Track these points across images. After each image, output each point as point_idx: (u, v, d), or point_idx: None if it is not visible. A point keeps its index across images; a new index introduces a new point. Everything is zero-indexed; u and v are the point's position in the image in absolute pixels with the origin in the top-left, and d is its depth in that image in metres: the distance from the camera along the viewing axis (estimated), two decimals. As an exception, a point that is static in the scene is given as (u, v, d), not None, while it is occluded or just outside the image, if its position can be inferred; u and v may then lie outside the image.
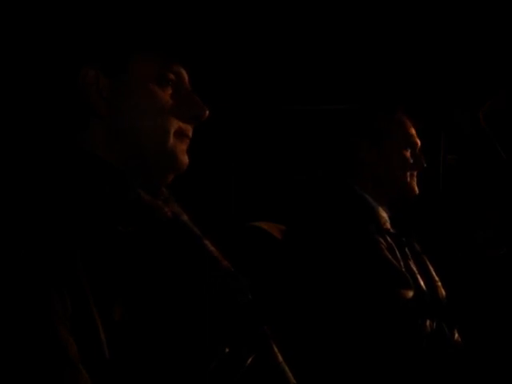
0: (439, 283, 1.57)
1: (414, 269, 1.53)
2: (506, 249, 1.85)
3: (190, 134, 0.92)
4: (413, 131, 1.60)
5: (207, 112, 0.91)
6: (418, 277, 1.52)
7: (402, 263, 1.50)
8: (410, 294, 1.42)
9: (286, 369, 0.87)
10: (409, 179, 1.57)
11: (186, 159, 0.91)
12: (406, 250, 1.56)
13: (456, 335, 1.49)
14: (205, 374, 0.76)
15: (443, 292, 1.56)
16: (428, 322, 1.42)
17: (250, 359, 0.81)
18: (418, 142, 1.60)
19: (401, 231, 1.59)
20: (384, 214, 1.57)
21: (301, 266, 1.47)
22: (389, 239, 1.52)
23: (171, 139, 0.88)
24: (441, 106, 2.62)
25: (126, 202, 0.81)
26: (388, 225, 1.56)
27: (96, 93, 0.84)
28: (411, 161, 1.56)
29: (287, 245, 1.56)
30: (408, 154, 1.56)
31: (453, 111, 2.60)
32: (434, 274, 1.59)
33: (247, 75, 2.62)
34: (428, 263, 1.61)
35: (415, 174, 1.60)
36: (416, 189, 1.59)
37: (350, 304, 1.39)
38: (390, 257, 1.46)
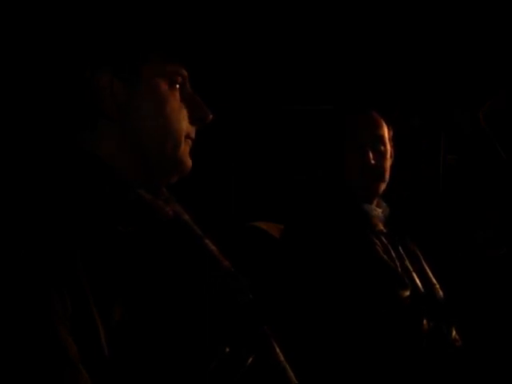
0: (436, 283, 1.57)
1: (411, 268, 1.53)
2: (506, 249, 1.85)
3: (194, 135, 0.92)
4: (378, 131, 1.58)
5: (211, 116, 0.92)
6: (415, 276, 1.52)
7: (398, 263, 1.50)
8: (407, 293, 1.42)
9: (288, 368, 0.87)
10: (372, 180, 1.56)
11: (190, 162, 0.91)
12: (400, 249, 1.56)
13: (454, 334, 1.49)
14: (205, 374, 0.76)
15: (440, 292, 1.56)
16: (425, 321, 1.42)
17: (250, 359, 0.81)
18: (384, 143, 1.59)
19: (394, 230, 1.59)
20: (376, 212, 1.57)
21: (297, 266, 1.47)
22: (384, 240, 1.52)
23: (183, 143, 0.89)
24: (441, 105, 2.62)
25: (127, 202, 0.81)
26: (380, 225, 1.55)
27: (110, 96, 0.83)
28: (372, 162, 1.55)
29: (283, 245, 1.56)
30: (369, 154, 1.55)
31: (453, 111, 2.60)
32: (430, 274, 1.59)
33: (247, 75, 2.63)
34: (423, 263, 1.60)
35: (380, 172, 1.58)
36: (383, 178, 1.58)
37: (348, 305, 1.39)
38: (385, 257, 1.46)
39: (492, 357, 1.43)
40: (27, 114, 0.86)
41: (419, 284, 1.51)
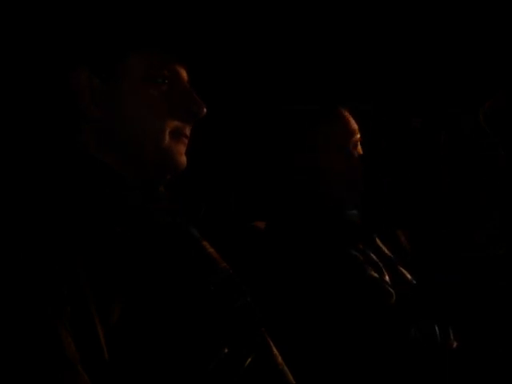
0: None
1: (401, 268, 1.50)
2: (506, 249, 1.85)
3: (188, 132, 0.90)
4: (349, 131, 1.58)
5: (205, 109, 0.89)
6: (407, 274, 1.49)
7: (381, 265, 1.45)
8: (390, 302, 1.38)
9: (286, 369, 0.87)
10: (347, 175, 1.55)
11: (182, 159, 0.89)
12: (381, 245, 1.53)
13: (452, 336, 1.47)
14: (204, 375, 0.76)
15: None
16: (413, 329, 1.38)
17: (248, 360, 0.81)
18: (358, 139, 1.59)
19: (369, 230, 1.56)
20: (354, 216, 1.54)
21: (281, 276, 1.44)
22: (361, 247, 1.48)
23: (166, 139, 0.86)
24: (441, 106, 2.63)
25: (125, 204, 0.81)
26: (359, 232, 1.51)
27: (89, 96, 0.83)
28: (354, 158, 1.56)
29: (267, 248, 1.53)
30: (346, 153, 1.56)
31: (453, 112, 2.60)
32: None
33: (247, 75, 2.63)
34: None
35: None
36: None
37: (334, 321, 1.36)
38: (368, 271, 1.40)
39: (490, 358, 1.42)
40: (20, 116, 0.86)
41: (409, 276, 1.49)
